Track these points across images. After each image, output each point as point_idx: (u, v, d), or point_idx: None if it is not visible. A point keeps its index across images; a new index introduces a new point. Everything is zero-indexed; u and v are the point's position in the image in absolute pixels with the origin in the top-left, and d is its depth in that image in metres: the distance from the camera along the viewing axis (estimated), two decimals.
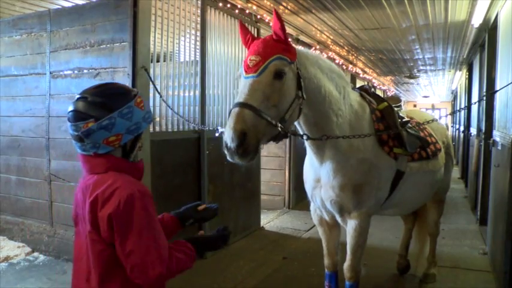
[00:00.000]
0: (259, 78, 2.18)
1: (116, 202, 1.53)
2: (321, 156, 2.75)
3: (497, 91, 4.20)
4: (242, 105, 2.11)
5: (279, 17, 2.27)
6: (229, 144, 2.05)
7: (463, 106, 11.36)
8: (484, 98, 5.62)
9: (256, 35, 5.99)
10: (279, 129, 2.21)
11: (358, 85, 3.32)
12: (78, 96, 1.66)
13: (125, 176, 1.64)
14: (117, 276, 1.60)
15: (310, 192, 3.01)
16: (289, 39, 2.38)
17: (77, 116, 1.61)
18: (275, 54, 2.23)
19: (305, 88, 2.40)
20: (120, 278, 1.60)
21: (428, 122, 3.09)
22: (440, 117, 4.26)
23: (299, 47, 2.56)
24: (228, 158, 2.13)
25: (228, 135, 2.05)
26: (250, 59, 2.24)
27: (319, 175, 2.83)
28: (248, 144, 2.06)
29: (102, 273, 1.59)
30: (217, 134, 2.28)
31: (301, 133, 2.62)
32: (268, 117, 2.14)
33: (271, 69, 2.20)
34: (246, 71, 2.23)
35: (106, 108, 1.60)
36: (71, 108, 1.64)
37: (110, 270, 1.59)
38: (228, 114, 2.16)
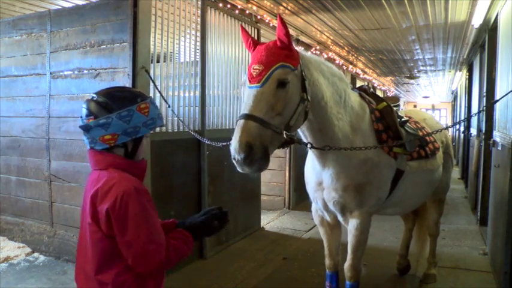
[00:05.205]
0: (262, 88, 2.20)
1: (112, 198, 1.65)
2: (324, 160, 2.77)
3: (497, 101, 4.20)
4: (247, 116, 2.14)
5: (283, 22, 2.27)
6: (236, 157, 2.10)
7: (463, 106, 11.36)
8: (484, 109, 5.61)
9: (256, 36, 6.01)
10: (285, 136, 2.24)
11: (358, 86, 3.33)
12: (91, 95, 1.82)
13: (122, 173, 1.75)
14: (113, 266, 1.70)
15: (312, 195, 3.03)
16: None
17: (84, 113, 1.78)
18: (278, 62, 2.24)
19: (309, 91, 2.42)
20: (115, 268, 1.70)
21: (438, 131, 3.04)
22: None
23: (302, 51, 2.56)
24: (238, 169, 2.17)
25: (234, 148, 2.10)
26: (253, 68, 2.25)
27: (321, 178, 2.85)
28: (254, 154, 2.10)
29: (99, 262, 1.71)
30: (220, 144, 2.31)
31: (305, 140, 2.67)
32: (273, 127, 2.18)
33: (275, 79, 2.21)
34: (249, 81, 2.25)
35: (107, 108, 1.75)
36: (83, 105, 1.81)
37: (106, 260, 1.70)
38: (235, 124, 2.20)
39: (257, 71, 2.23)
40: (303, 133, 2.69)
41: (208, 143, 3.20)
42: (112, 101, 1.76)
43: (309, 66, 2.49)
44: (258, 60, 2.27)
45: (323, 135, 2.64)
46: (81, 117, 1.79)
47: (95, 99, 1.78)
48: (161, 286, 1.86)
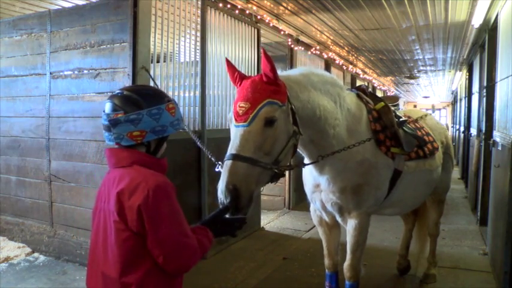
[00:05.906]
0: (249, 127, 2.11)
1: (144, 193, 1.60)
2: (320, 167, 2.75)
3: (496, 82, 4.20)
4: (234, 157, 2.08)
5: (268, 57, 2.18)
6: (222, 199, 2.04)
7: (463, 106, 11.37)
8: (485, 91, 5.63)
9: (256, 36, 6.01)
10: (275, 171, 2.18)
11: (356, 86, 3.31)
12: (117, 91, 1.79)
13: (148, 169, 1.73)
14: (139, 267, 1.63)
15: (310, 195, 3.03)
16: (279, 80, 2.25)
17: (111, 107, 1.73)
18: (265, 99, 2.15)
19: (300, 118, 2.36)
20: (141, 269, 1.63)
21: (421, 118, 3.10)
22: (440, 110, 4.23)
23: (287, 73, 2.51)
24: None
25: (221, 191, 2.05)
26: (239, 106, 2.16)
27: (318, 181, 2.85)
28: (240, 199, 2.02)
29: (124, 263, 1.63)
30: (216, 170, 2.26)
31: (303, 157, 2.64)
32: (262, 164, 2.11)
33: (262, 117, 2.12)
34: (236, 119, 2.16)
35: (137, 105, 1.71)
36: (108, 100, 1.76)
37: (132, 261, 1.64)
38: (222, 164, 2.15)
39: (243, 109, 2.13)
40: None
41: (209, 156, 3.11)
42: (142, 97, 1.72)
43: (297, 92, 2.40)
44: (244, 97, 2.17)
45: (315, 146, 2.61)
46: (104, 111, 1.74)
47: (123, 94, 1.74)
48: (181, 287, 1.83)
